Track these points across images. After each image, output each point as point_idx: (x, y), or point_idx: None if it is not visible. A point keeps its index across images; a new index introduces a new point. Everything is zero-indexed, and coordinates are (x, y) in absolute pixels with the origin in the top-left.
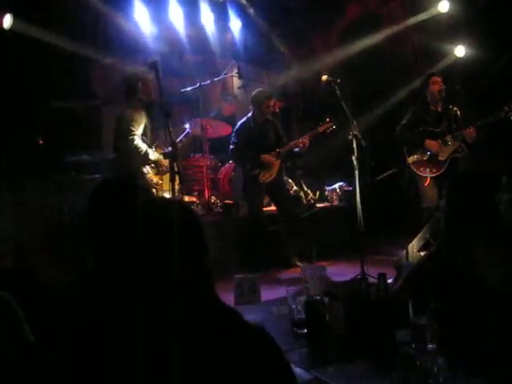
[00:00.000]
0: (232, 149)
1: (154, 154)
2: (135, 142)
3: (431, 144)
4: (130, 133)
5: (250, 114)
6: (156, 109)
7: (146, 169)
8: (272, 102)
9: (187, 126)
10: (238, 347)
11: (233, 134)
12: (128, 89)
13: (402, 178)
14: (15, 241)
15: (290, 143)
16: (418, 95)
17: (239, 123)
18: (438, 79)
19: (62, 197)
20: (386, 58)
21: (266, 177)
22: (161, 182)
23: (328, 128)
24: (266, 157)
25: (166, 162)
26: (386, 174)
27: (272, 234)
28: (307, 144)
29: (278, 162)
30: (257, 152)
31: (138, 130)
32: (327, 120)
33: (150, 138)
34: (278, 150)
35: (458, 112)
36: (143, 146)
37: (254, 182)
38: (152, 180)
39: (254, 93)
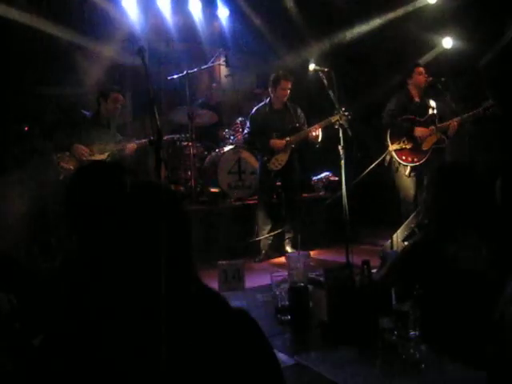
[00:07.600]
0: (245, 135)
1: None
2: None
3: (421, 131)
4: None
5: (267, 100)
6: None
7: None
8: (289, 84)
9: None
10: (222, 331)
11: (248, 120)
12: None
13: (383, 167)
14: None
15: (300, 132)
16: (402, 84)
17: (254, 108)
18: (423, 70)
19: (44, 184)
20: (374, 48)
21: (276, 164)
22: None
23: (343, 118)
24: (275, 142)
25: None
26: (369, 169)
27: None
28: (319, 134)
29: (288, 150)
30: (269, 138)
31: None
32: (342, 109)
33: None
34: (288, 138)
35: (434, 105)
36: None
37: (265, 168)
38: None
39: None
